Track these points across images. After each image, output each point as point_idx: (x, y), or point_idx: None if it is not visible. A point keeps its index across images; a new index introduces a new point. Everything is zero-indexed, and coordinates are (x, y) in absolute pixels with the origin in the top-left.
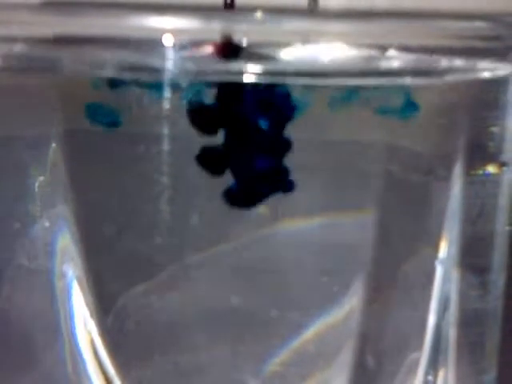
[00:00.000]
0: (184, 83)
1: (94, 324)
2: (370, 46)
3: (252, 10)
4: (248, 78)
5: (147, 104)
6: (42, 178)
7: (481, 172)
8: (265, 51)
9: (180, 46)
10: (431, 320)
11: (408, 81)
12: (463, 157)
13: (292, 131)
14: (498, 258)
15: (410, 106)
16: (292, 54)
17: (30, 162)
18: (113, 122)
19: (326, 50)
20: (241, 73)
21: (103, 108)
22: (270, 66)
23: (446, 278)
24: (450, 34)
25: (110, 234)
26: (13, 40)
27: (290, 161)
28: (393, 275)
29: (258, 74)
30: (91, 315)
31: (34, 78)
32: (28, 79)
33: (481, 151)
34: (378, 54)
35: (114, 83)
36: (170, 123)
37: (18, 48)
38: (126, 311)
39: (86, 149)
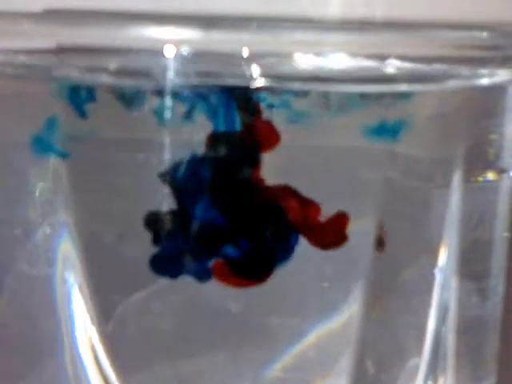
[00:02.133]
0: (185, 93)
1: (94, 330)
2: (370, 56)
3: (253, 20)
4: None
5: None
6: (43, 185)
7: (480, 179)
8: (266, 61)
9: (181, 57)
10: (431, 326)
11: (407, 88)
12: (462, 164)
13: (293, 138)
14: (497, 264)
15: (398, 126)
16: (293, 64)
17: (31, 169)
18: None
19: (327, 59)
20: (242, 82)
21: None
22: (272, 76)
23: (445, 285)
24: (449, 43)
25: (110, 241)
26: (15, 49)
27: (290, 167)
28: (392, 282)
29: (258, 83)
30: (92, 321)
31: (36, 86)
32: (29, 86)
33: (480, 158)
34: (378, 63)
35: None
36: (168, 131)
37: (20, 57)
38: (127, 317)
39: (86, 155)
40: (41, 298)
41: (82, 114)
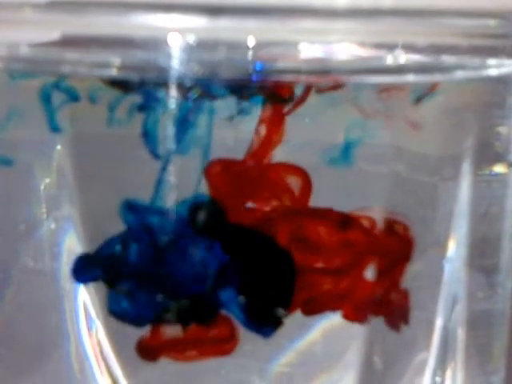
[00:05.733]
0: (189, 83)
1: (99, 324)
2: (377, 45)
3: (259, 9)
4: (254, 78)
5: None
6: (47, 180)
7: (488, 172)
8: (271, 50)
9: (186, 45)
10: (439, 321)
11: (415, 78)
12: (470, 157)
13: (298, 131)
14: (507, 258)
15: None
16: (299, 53)
17: (35, 165)
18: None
19: (333, 48)
20: (247, 72)
21: None
22: (277, 65)
23: (453, 279)
24: (457, 32)
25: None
26: (18, 41)
27: (295, 162)
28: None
29: (265, 73)
30: (97, 316)
31: (37, 80)
32: (31, 81)
33: (488, 151)
34: (386, 53)
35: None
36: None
37: (23, 49)
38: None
39: (91, 150)
40: (46, 292)
41: (55, 128)
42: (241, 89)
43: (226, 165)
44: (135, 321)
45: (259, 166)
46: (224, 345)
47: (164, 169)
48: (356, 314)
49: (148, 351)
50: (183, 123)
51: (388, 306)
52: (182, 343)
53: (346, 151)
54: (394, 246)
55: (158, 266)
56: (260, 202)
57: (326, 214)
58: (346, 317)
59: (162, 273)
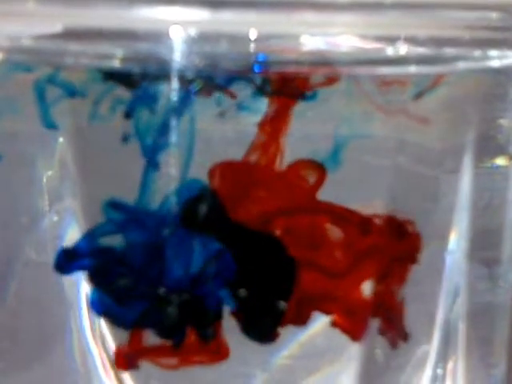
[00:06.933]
0: (191, 76)
1: (102, 317)
2: (379, 38)
3: (261, 1)
4: (256, 69)
5: None
6: (50, 173)
7: (490, 164)
8: (273, 42)
9: (188, 38)
10: (440, 313)
11: (417, 70)
12: (472, 149)
13: (302, 124)
14: (508, 250)
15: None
16: (301, 45)
17: (37, 157)
18: None
19: (335, 41)
20: (248, 65)
21: None
22: (279, 58)
23: (455, 271)
24: (459, 24)
25: None
26: (21, 33)
27: (297, 154)
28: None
29: (266, 65)
30: None
31: (40, 72)
32: (32, 74)
33: (490, 144)
34: (387, 45)
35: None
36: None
37: (26, 41)
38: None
39: (93, 143)
40: (49, 285)
41: (49, 124)
42: (264, 84)
43: (231, 164)
44: (118, 321)
45: (272, 161)
46: (212, 354)
47: (152, 164)
48: (347, 322)
49: (125, 360)
50: (172, 117)
51: (386, 310)
52: (164, 351)
53: (335, 153)
54: (405, 247)
55: (148, 262)
56: (268, 199)
57: (345, 216)
58: (336, 324)
59: (151, 271)
